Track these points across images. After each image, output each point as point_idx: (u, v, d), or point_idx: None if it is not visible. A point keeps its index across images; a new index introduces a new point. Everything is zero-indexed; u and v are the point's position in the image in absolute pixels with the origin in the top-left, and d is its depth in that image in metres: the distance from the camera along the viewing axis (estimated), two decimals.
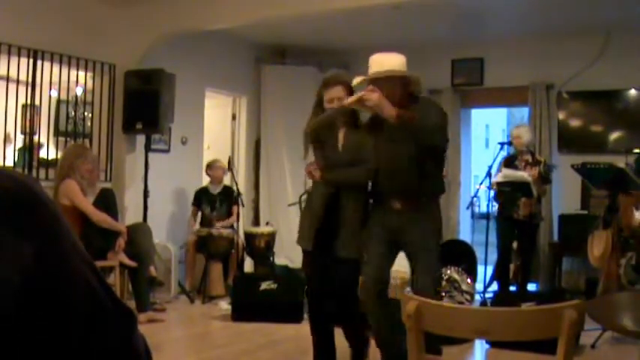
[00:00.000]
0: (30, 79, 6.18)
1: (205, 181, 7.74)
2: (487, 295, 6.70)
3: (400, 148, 3.76)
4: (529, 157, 6.67)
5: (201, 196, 7.56)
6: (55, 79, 6.40)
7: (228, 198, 7.52)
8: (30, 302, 0.78)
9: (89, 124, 7.07)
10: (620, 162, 5.88)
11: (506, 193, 6.54)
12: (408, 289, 5.34)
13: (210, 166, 7.59)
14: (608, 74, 7.33)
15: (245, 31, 7.86)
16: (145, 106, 6.58)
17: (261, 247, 7.45)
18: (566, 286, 7.31)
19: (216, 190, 7.56)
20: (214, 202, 7.50)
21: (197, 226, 7.48)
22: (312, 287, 4.27)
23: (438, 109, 3.85)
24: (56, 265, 0.82)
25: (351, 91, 3.90)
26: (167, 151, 7.67)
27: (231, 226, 7.41)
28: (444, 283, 5.48)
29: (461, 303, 5.24)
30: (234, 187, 7.51)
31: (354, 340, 4.27)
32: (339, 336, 4.29)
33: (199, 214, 7.57)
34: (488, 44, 8.10)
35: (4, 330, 0.77)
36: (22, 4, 6.05)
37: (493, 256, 6.84)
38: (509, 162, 6.71)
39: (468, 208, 7.90)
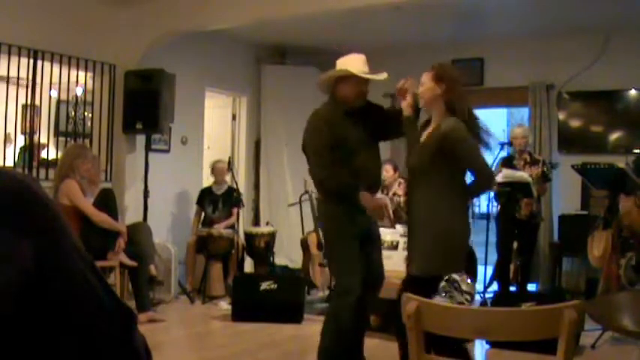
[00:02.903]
0: (30, 80, 6.18)
1: (210, 181, 7.76)
2: (487, 296, 6.69)
3: (376, 148, 4.23)
4: (527, 157, 6.68)
5: (205, 196, 7.59)
6: (55, 79, 6.40)
7: (231, 199, 7.52)
8: (30, 301, 0.78)
9: (89, 124, 7.07)
10: (621, 162, 5.88)
11: (507, 193, 6.54)
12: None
13: (212, 167, 7.63)
14: (608, 74, 7.33)
15: (245, 31, 7.85)
16: (145, 106, 6.58)
17: (261, 247, 7.45)
18: (566, 286, 7.31)
19: (219, 190, 7.57)
20: (217, 202, 7.51)
21: (200, 226, 7.50)
22: None
23: None
24: (56, 265, 0.82)
25: None
26: (167, 151, 7.67)
27: (232, 226, 7.41)
28: (443, 283, 5.48)
29: (461, 303, 5.22)
30: (235, 187, 7.50)
31: None
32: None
33: (202, 214, 7.59)
34: (489, 44, 8.10)
35: (5, 328, 0.77)
36: (22, 4, 6.05)
37: (493, 257, 6.84)
38: (507, 162, 6.72)
39: (467, 208, 7.87)
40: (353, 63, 4.12)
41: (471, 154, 3.52)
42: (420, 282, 3.48)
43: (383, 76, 4.16)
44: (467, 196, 3.74)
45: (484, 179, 3.63)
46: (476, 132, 3.54)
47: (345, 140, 4.04)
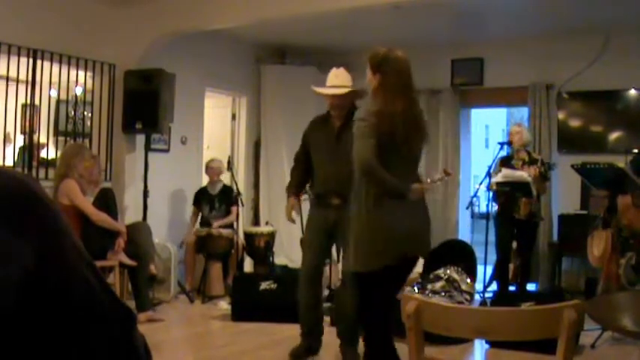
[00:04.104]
0: (30, 79, 6.17)
1: (205, 181, 7.75)
2: (487, 295, 6.70)
3: (344, 152, 4.20)
4: (526, 156, 6.67)
5: (201, 197, 7.57)
6: (55, 78, 6.40)
7: (227, 198, 7.52)
8: (30, 301, 0.78)
9: (89, 123, 7.07)
10: (620, 162, 5.88)
11: (506, 193, 6.54)
12: (409, 288, 5.34)
13: (206, 166, 7.64)
14: (608, 74, 7.33)
15: (245, 31, 7.85)
16: (144, 105, 6.58)
17: (260, 247, 7.45)
18: (565, 286, 7.30)
19: (215, 190, 7.56)
20: (213, 202, 7.50)
21: (197, 226, 7.49)
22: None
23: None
24: (56, 265, 0.82)
25: None
26: (167, 150, 7.66)
27: (231, 226, 7.40)
28: (443, 282, 5.49)
29: (460, 303, 5.23)
30: (234, 187, 7.50)
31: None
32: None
33: (199, 214, 7.58)
34: (488, 44, 8.10)
35: (4, 328, 0.77)
36: (22, 4, 6.05)
37: (493, 256, 6.84)
38: (505, 162, 6.71)
39: (467, 208, 7.89)
40: (328, 77, 4.67)
41: (355, 137, 3.38)
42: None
43: (330, 90, 4.54)
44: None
45: (356, 170, 3.41)
46: (390, 131, 3.34)
47: (312, 143, 4.71)
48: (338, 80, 4.58)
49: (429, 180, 5.03)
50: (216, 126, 8.75)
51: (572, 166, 5.85)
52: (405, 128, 3.38)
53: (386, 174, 3.34)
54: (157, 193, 7.02)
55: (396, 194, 3.40)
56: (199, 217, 7.58)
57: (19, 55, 6.00)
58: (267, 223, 8.20)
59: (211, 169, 7.54)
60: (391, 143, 3.35)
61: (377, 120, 3.34)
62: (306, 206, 5.05)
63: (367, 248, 3.44)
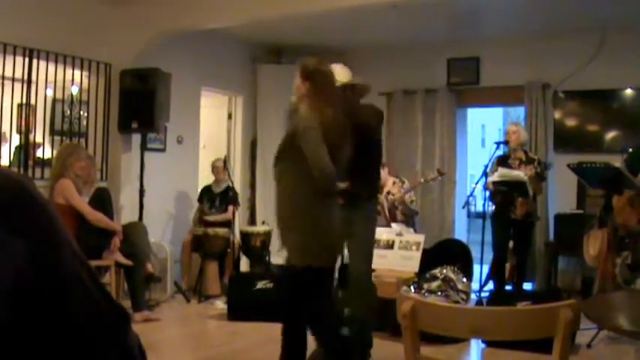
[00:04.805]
0: (26, 78, 6.16)
1: (211, 179, 7.85)
2: (483, 295, 6.70)
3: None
4: (522, 156, 6.67)
5: (204, 194, 7.71)
6: (51, 77, 6.39)
7: (227, 197, 7.58)
8: (23, 302, 0.78)
9: (85, 123, 7.06)
10: (616, 161, 5.88)
11: (503, 192, 6.53)
12: (405, 287, 5.34)
13: (212, 166, 7.71)
14: (604, 73, 7.33)
15: (241, 31, 7.85)
16: (140, 105, 6.57)
17: (257, 247, 7.45)
18: (561, 285, 7.31)
19: (218, 189, 7.67)
20: (214, 200, 7.60)
21: (198, 224, 7.55)
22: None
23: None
24: (50, 265, 0.82)
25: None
26: (163, 150, 7.66)
27: (228, 225, 7.41)
28: (439, 282, 5.48)
29: (457, 302, 5.24)
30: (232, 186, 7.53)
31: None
32: None
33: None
34: (485, 43, 8.10)
35: None
36: (18, 3, 6.04)
37: (489, 256, 6.84)
38: (502, 161, 6.71)
39: (463, 207, 7.90)
40: None
41: (307, 147, 3.59)
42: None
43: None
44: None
45: (317, 176, 3.61)
46: (329, 140, 3.61)
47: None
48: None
49: (422, 179, 5.14)
50: (212, 125, 8.75)
51: (569, 165, 5.85)
52: (338, 135, 3.69)
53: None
54: (153, 193, 7.02)
55: (331, 195, 3.78)
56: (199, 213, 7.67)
57: (14, 54, 5.99)
58: (263, 223, 8.19)
59: (216, 167, 7.63)
60: (330, 149, 3.64)
61: (321, 128, 3.60)
62: None
63: (318, 244, 3.70)
